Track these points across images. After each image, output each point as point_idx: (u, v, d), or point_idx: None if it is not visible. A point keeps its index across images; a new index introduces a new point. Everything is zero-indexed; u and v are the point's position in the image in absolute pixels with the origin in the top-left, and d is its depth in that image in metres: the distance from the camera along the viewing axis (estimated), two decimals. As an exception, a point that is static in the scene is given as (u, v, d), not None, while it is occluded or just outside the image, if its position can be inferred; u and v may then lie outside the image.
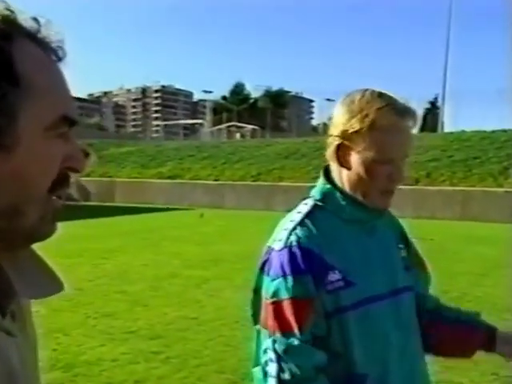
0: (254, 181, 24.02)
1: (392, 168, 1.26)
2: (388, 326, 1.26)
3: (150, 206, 21.54)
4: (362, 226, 1.30)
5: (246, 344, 5.08)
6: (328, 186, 1.30)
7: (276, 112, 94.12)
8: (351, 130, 1.23)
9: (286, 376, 1.16)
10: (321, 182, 1.33)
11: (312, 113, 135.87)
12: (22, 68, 0.55)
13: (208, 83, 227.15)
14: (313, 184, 1.38)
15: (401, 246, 1.39)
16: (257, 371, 1.24)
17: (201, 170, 26.51)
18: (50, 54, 0.58)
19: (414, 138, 1.30)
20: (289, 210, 1.36)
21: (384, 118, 1.21)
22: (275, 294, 1.20)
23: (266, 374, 1.19)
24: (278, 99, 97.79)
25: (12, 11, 0.56)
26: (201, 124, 72.49)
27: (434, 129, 36.21)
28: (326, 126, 1.56)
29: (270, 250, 1.26)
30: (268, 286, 1.22)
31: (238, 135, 49.54)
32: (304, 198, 1.36)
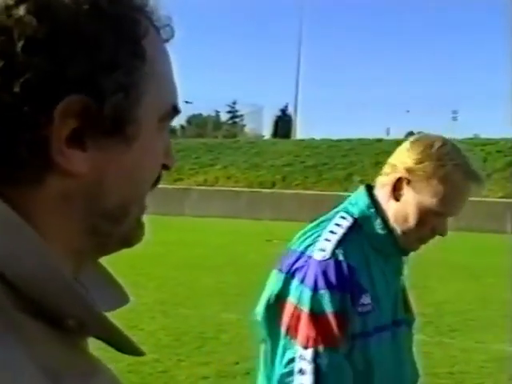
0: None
1: (439, 221, 1.28)
2: (388, 356, 1.29)
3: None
4: (383, 254, 1.31)
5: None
6: (372, 210, 1.29)
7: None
8: (421, 173, 1.24)
9: None
10: (364, 203, 1.30)
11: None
12: (146, 44, 0.46)
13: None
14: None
15: (402, 277, 1.41)
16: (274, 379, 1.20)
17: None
18: (159, 33, 0.50)
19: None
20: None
21: (457, 175, 1.24)
22: (317, 305, 1.17)
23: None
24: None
25: None
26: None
27: (286, 135, 38.29)
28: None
29: (307, 257, 1.22)
30: (305, 296, 1.18)
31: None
32: (336, 210, 1.34)
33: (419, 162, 1.24)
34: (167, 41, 0.51)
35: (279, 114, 52.41)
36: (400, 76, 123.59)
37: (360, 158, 24.23)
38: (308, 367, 1.15)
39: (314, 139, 28.84)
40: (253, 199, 20.38)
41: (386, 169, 1.31)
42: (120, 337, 0.47)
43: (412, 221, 1.27)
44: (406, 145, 1.30)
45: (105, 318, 0.46)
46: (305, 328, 1.17)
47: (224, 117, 50.14)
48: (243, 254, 10.63)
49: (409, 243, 1.31)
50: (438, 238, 1.34)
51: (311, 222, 1.37)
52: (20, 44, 0.40)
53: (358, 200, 1.32)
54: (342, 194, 20.28)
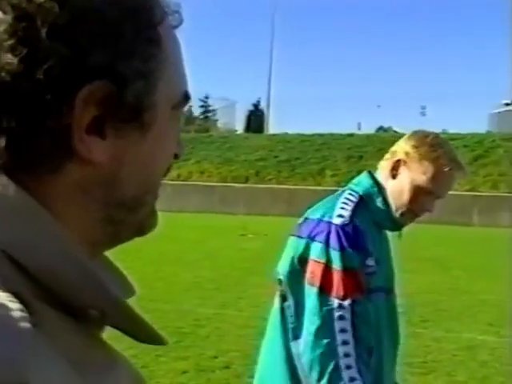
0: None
1: (428, 199, 1.49)
2: (384, 313, 1.49)
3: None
4: (380, 229, 1.52)
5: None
6: (375, 188, 1.50)
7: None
8: (416, 155, 1.46)
9: (362, 332, 1.36)
10: (368, 183, 1.51)
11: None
12: (161, 31, 0.46)
13: None
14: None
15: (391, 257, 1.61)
16: (309, 329, 1.35)
17: None
18: (169, 19, 0.48)
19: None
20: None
21: (444, 160, 1.46)
22: (348, 262, 1.37)
23: (330, 331, 1.34)
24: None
25: None
26: None
27: (258, 130, 38.29)
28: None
29: (326, 222, 1.41)
30: (334, 256, 1.37)
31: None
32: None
33: (415, 147, 1.48)
34: (176, 27, 0.50)
35: (252, 108, 52.35)
36: (371, 73, 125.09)
37: (332, 153, 24.43)
38: (347, 314, 1.35)
39: (286, 134, 28.91)
40: (226, 194, 20.36)
41: (387, 155, 1.53)
42: (143, 326, 0.47)
43: (405, 196, 1.48)
44: (406, 136, 1.54)
45: (128, 307, 0.45)
46: (341, 282, 1.36)
47: (196, 111, 49.80)
48: (218, 249, 10.64)
49: (403, 217, 1.50)
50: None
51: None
52: (44, 31, 0.39)
53: (360, 181, 1.53)
54: (314, 188, 20.51)
